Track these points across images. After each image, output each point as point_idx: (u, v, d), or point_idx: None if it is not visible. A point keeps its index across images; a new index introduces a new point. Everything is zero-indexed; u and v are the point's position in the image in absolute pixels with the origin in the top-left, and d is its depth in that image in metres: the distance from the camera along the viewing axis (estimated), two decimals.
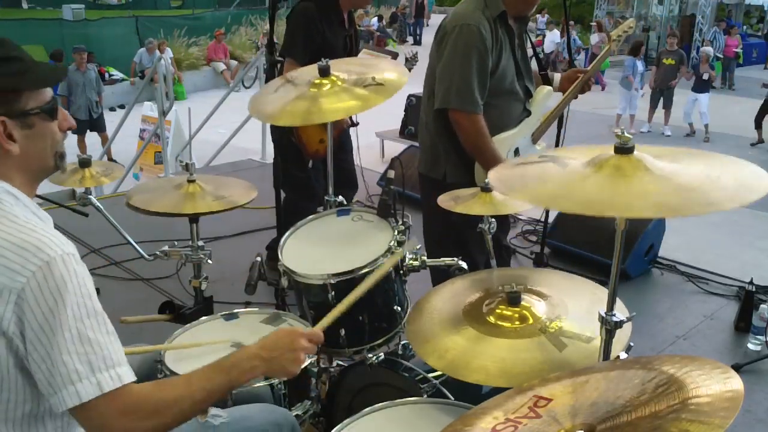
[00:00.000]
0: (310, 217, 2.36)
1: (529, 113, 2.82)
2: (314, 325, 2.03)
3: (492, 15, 2.56)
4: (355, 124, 3.66)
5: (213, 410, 1.59)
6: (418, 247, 2.24)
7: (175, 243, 2.60)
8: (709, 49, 12.33)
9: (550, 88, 2.92)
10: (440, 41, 2.62)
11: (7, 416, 1.22)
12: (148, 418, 1.25)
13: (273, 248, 3.43)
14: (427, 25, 23.67)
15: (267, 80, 3.28)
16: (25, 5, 21.41)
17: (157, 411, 1.26)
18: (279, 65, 3.32)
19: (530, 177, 1.45)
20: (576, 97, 2.95)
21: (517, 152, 2.78)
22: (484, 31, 2.51)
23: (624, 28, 3.00)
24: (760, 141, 10.80)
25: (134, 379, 1.25)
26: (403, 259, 2.16)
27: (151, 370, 1.86)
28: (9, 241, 1.17)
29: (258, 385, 1.85)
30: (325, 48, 3.19)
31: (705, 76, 11.23)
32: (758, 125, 10.77)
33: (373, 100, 2.19)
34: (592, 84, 2.95)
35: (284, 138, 3.43)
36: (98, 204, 2.68)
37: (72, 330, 1.17)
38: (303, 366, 1.48)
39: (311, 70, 2.33)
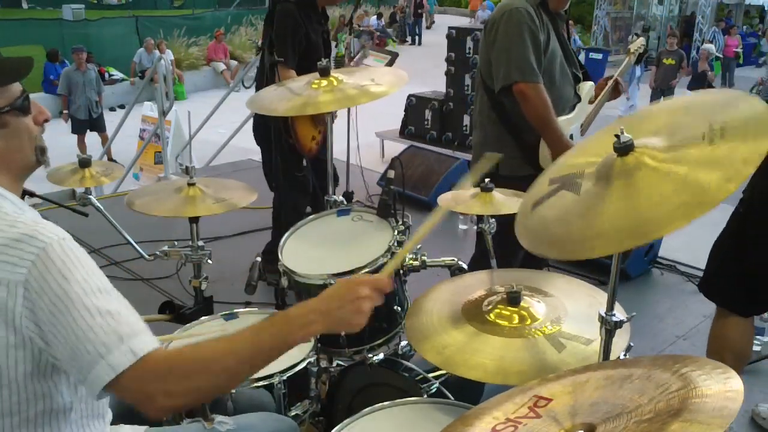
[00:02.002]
0: (310, 217, 2.36)
1: (579, 98, 2.92)
2: None
3: (534, 2, 2.71)
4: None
5: (219, 417, 1.59)
6: (418, 247, 2.24)
7: (175, 243, 2.61)
8: (710, 47, 12.31)
9: (591, 83, 3.00)
10: (489, 30, 2.74)
11: (20, 416, 1.21)
12: (188, 377, 1.20)
13: (269, 252, 3.50)
14: (430, 27, 23.62)
15: (267, 80, 3.29)
16: (25, 5, 21.42)
17: (197, 370, 1.21)
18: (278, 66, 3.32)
19: (552, 222, 1.35)
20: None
21: (571, 138, 2.84)
22: (532, 13, 2.67)
23: (638, 45, 3.19)
24: None
25: (160, 345, 1.22)
26: (403, 259, 2.16)
27: None
28: (1, 236, 1.17)
29: (257, 385, 1.85)
30: (310, 48, 3.26)
31: (703, 70, 11.25)
32: None
33: (363, 97, 2.27)
34: (622, 89, 3.10)
35: (282, 140, 3.43)
36: (98, 204, 2.68)
37: (89, 307, 1.15)
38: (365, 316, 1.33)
39: (309, 76, 2.41)
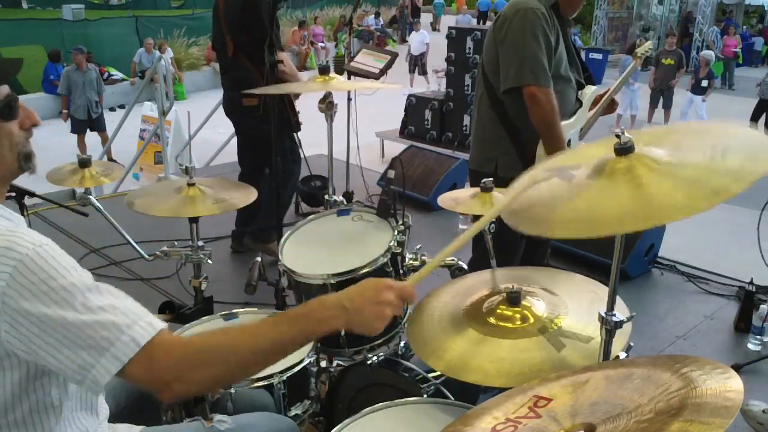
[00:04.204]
0: (310, 217, 2.36)
1: (581, 104, 2.90)
2: None
3: (547, 4, 2.69)
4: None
5: (218, 416, 1.59)
6: (418, 247, 2.24)
7: (175, 243, 2.61)
8: (709, 53, 12.26)
9: (595, 87, 2.99)
10: (500, 27, 2.70)
11: (8, 418, 1.20)
12: (204, 365, 1.18)
13: (259, 230, 3.95)
14: (439, 30, 23.58)
15: (267, 80, 3.31)
16: (25, 5, 21.41)
17: (213, 360, 1.19)
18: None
19: (538, 204, 1.39)
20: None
21: (569, 144, 2.84)
22: (546, 14, 2.65)
23: (645, 49, 3.16)
24: None
25: (165, 325, 1.19)
26: (403, 259, 2.16)
27: None
28: None
29: (256, 386, 1.85)
30: None
31: (704, 83, 11.20)
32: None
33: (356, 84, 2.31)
34: (616, 106, 3.13)
35: (281, 112, 3.62)
36: (98, 204, 2.68)
37: (78, 307, 1.13)
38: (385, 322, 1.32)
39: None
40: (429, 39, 15.96)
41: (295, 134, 3.95)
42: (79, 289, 1.15)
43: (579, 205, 1.30)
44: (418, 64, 15.19)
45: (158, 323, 1.19)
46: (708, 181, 1.18)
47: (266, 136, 3.70)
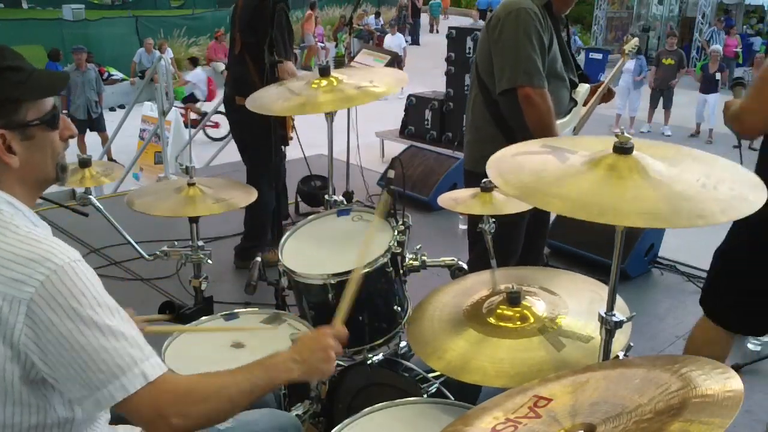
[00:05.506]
0: (310, 217, 2.36)
1: (575, 103, 2.90)
2: (314, 326, 2.04)
3: (540, 3, 2.67)
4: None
5: None
6: (418, 247, 2.24)
7: (175, 243, 2.61)
8: (717, 47, 12.26)
9: (588, 85, 2.99)
10: (494, 27, 2.68)
11: (14, 429, 1.20)
12: (204, 400, 1.26)
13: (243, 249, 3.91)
14: (438, 32, 23.54)
15: (267, 80, 3.32)
16: (25, 5, 21.45)
17: (208, 396, 1.27)
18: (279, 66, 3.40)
19: (527, 169, 1.44)
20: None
21: None
22: (539, 14, 2.63)
23: (632, 46, 3.25)
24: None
25: (167, 368, 1.25)
26: (403, 259, 2.16)
27: None
28: (13, 253, 1.16)
29: None
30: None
31: (717, 76, 11.17)
32: None
33: (363, 98, 2.31)
34: (614, 94, 3.17)
35: (276, 129, 3.56)
36: (98, 204, 2.68)
37: (102, 328, 1.17)
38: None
39: (309, 77, 2.44)
40: (405, 44, 16.05)
41: (282, 147, 3.86)
42: (104, 310, 1.19)
43: (563, 185, 1.34)
44: (393, 68, 15.09)
45: (163, 365, 1.25)
46: (696, 203, 1.24)
47: (249, 139, 3.77)
